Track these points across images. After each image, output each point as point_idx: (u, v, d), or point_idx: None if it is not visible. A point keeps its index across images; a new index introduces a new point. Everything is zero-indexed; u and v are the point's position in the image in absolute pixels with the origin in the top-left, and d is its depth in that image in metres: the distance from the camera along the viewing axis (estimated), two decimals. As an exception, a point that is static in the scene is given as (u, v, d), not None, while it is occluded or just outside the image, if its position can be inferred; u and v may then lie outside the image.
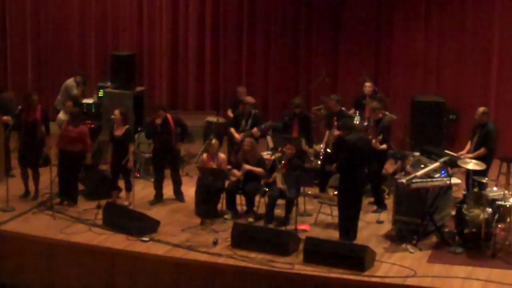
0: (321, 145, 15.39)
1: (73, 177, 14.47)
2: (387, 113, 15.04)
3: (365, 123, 15.02)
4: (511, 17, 16.96)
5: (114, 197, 14.40)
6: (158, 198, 14.65)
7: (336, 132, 14.66)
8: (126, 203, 14.23)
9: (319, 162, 15.29)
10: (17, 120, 14.74)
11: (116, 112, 14.44)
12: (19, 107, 14.82)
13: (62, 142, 14.33)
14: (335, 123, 14.96)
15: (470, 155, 13.77)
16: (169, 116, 14.57)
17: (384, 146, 13.96)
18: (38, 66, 20.42)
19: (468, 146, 14.28)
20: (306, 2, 18.50)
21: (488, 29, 17.15)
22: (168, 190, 14.80)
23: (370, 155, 13.15)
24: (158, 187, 14.68)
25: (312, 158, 15.41)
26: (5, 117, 15.28)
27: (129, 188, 14.39)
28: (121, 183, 14.53)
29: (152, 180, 15.14)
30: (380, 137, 13.90)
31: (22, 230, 13.32)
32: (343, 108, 15.46)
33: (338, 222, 12.82)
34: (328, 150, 14.93)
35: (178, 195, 14.69)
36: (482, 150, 13.84)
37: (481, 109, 14.14)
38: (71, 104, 16.30)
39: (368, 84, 16.09)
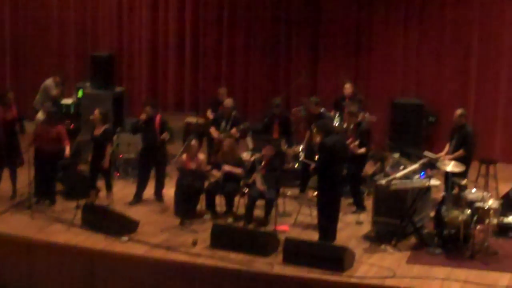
0: (301, 147, 15.40)
1: (51, 176, 14.43)
2: (366, 115, 15.07)
3: (345, 125, 15.07)
4: (490, 21, 17.04)
5: (92, 197, 14.37)
6: (137, 198, 14.64)
7: (318, 139, 14.71)
8: (105, 203, 14.21)
9: (296, 165, 15.31)
10: None
11: (96, 112, 14.44)
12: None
13: (40, 141, 14.29)
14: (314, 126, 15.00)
15: (450, 156, 13.87)
16: (158, 116, 14.59)
17: (362, 150, 14.00)
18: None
19: (446, 148, 14.39)
20: (286, 4, 18.53)
21: (467, 33, 17.21)
22: (148, 190, 14.80)
23: (348, 157, 13.18)
24: (140, 187, 14.68)
25: (290, 159, 15.43)
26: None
27: (109, 187, 14.39)
28: (102, 183, 14.53)
29: (132, 180, 15.17)
30: (357, 142, 13.95)
31: (0, 229, 13.28)
32: (322, 110, 15.47)
33: (318, 223, 12.86)
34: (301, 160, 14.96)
35: (158, 196, 14.70)
36: (460, 152, 13.97)
37: (459, 111, 14.27)
38: (50, 104, 16.27)
39: (347, 85, 16.12)
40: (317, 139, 13.75)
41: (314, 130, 13.36)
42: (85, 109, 16.80)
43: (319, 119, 14.83)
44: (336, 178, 12.51)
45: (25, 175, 14.22)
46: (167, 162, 14.96)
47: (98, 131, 14.29)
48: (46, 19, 20.44)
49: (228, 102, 15.72)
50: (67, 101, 17.56)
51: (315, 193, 13.67)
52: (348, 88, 16.07)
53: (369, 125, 14.63)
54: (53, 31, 20.44)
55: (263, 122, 15.69)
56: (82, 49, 20.00)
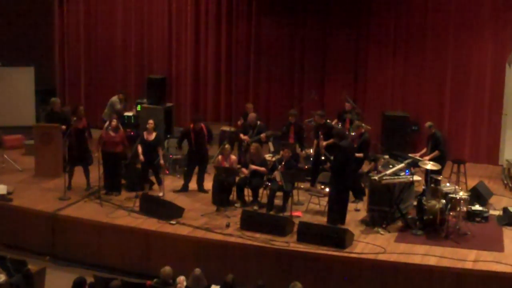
0: (311, 150, 15.32)
1: (117, 172, 14.46)
2: (363, 124, 14.97)
3: (346, 132, 15.03)
4: (461, 51, 16.93)
5: (146, 189, 14.37)
6: (184, 189, 14.62)
7: (323, 143, 14.62)
8: (160, 194, 14.20)
9: (306, 167, 15.21)
10: (68, 128, 14.79)
11: (151, 121, 14.48)
12: (74, 118, 14.84)
13: (107, 146, 14.32)
14: (321, 133, 14.93)
15: (427, 157, 13.82)
16: (203, 125, 14.65)
17: (360, 154, 13.93)
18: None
19: (423, 150, 14.35)
20: (300, 38, 18.48)
21: (443, 61, 17.09)
22: (191, 183, 14.77)
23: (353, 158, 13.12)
24: (186, 180, 14.66)
25: (302, 160, 15.36)
26: (63, 126, 15.35)
27: (160, 182, 14.39)
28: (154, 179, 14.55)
29: (179, 176, 15.15)
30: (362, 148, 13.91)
31: (76, 215, 13.35)
32: (328, 121, 15.42)
33: (328, 209, 12.80)
34: (323, 158, 14.82)
35: (200, 188, 14.66)
36: (436, 152, 13.95)
37: (427, 124, 14.44)
38: (116, 117, 16.31)
39: (347, 104, 16.11)
40: (323, 144, 13.80)
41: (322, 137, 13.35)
42: (143, 120, 16.80)
43: (324, 128, 14.81)
44: (346, 173, 12.46)
45: (96, 172, 14.27)
46: (208, 162, 14.92)
47: (151, 136, 14.29)
48: (112, 49, 20.50)
49: (253, 115, 15.65)
50: (129, 113, 17.60)
51: (322, 186, 13.68)
52: (348, 105, 16.05)
53: (369, 138, 14.45)
54: (117, 59, 20.50)
55: (282, 130, 15.65)
56: (140, 73, 20.03)
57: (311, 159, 15.10)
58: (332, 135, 13.80)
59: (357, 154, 13.76)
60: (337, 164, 12.65)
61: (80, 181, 14.79)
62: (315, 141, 15.01)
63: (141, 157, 14.16)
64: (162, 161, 14.23)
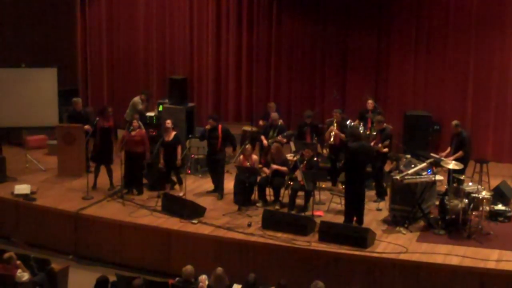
0: (325, 150, 15.26)
1: (139, 172, 14.51)
2: (385, 124, 14.89)
3: (367, 132, 14.98)
4: (483, 49, 16.82)
5: (167, 189, 14.40)
6: (214, 190, 14.62)
7: (332, 131, 14.51)
8: (181, 194, 14.22)
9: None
10: (94, 128, 14.86)
11: (169, 121, 14.50)
12: (97, 119, 14.91)
13: (128, 145, 14.37)
14: (337, 127, 14.85)
15: (451, 158, 13.71)
16: (219, 126, 14.49)
17: (386, 149, 13.92)
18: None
19: (448, 150, 14.23)
20: (321, 38, 18.44)
21: (466, 59, 16.99)
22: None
23: (372, 158, 13.07)
24: (213, 184, 14.65)
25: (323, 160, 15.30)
26: (86, 126, 15.43)
27: (180, 181, 14.41)
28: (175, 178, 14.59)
29: (201, 175, 15.14)
30: (387, 142, 13.86)
31: (99, 214, 13.44)
32: (349, 121, 15.36)
33: (344, 209, 12.77)
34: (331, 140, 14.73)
35: (218, 193, 14.53)
36: (460, 153, 13.81)
37: (454, 122, 14.18)
38: (138, 117, 16.36)
39: (370, 101, 15.99)
40: (332, 131, 13.75)
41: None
42: (164, 120, 16.84)
43: (341, 126, 14.77)
44: (358, 175, 12.37)
45: (118, 172, 14.34)
46: (220, 164, 14.72)
47: (169, 137, 14.32)
48: (134, 50, 20.56)
49: (274, 115, 15.65)
50: (151, 114, 17.62)
51: (343, 186, 13.64)
52: (370, 103, 15.95)
53: (391, 132, 14.46)
54: (139, 60, 20.57)
55: (298, 130, 15.58)
56: (162, 74, 20.09)
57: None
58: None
59: (383, 150, 13.75)
60: (344, 165, 12.59)
61: (104, 181, 14.85)
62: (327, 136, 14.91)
63: (161, 161, 14.24)
64: (179, 161, 14.21)
